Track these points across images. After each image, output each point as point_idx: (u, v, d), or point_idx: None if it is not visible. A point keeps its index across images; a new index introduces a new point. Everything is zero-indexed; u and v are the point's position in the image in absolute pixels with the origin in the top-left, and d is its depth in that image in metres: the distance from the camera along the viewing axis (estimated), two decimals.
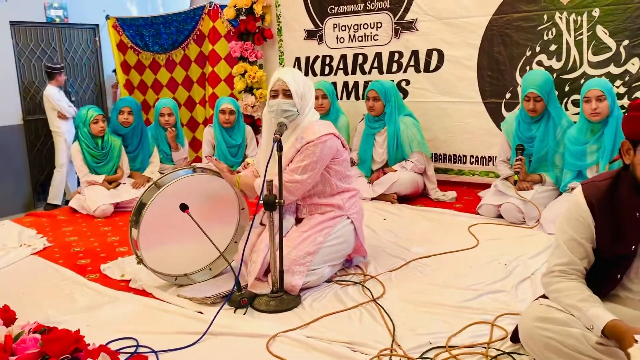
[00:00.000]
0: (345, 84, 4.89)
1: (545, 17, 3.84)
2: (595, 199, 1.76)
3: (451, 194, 4.06)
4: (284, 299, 2.39)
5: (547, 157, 3.55)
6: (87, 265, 3.04)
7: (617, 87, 3.65)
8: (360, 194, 4.01)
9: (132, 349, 2.04)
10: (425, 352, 1.95)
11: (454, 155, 4.40)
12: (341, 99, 4.91)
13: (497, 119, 4.10)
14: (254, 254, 2.57)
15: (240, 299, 2.39)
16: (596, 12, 3.65)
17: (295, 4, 5.05)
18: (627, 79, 3.61)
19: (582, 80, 3.75)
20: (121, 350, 2.01)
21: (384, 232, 3.35)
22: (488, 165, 4.23)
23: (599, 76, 3.69)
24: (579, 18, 3.71)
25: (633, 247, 1.71)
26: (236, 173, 2.74)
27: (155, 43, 6.47)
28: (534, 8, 3.87)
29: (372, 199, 4.04)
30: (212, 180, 2.70)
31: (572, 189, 3.38)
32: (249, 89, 5.34)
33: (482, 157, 4.26)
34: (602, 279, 1.79)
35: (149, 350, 2.04)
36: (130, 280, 2.74)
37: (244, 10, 5.16)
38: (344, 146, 2.73)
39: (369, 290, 2.50)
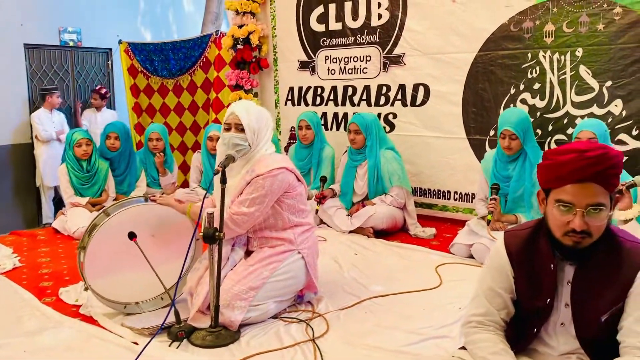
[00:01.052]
0: (335, 115, 4.90)
1: (529, 55, 3.79)
2: (515, 249, 1.70)
3: (430, 231, 3.99)
4: (221, 334, 2.36)
5: (523, 198, 3.46)
6: (48, 287, 3.06)
7: None
8: (338, 227, 4.04)
9: None
10: None
11: (439, 190, 4.34)
12: (331, 129, 4.92)
13: (481, 155, 4.03)
14: (199, 287, 2.55)
15: (177, 331, 2.37)
16: (579, 52, 3.59)
17: (291, 36, 5.11)
18: (609, 120, 3.52)
19: (565, 120, 3.69)
20: None
21: (350, 267, 3.30)
22: (471, 202, 4.14)
23: (582, 117, 3.62)
24: (563, 57, 3.66)
25: (548, 300, 1.64)
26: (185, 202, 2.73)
27: (164, 68, 6.63)
28: (518, 46, 3.83)
29: (350, 232, 3.99)
30: (166, 210, 2.70)
31: None
32: None
33: (465, 193, 4.19)
34: (521, 332, 1.72)
35: None
36: (80, 306, 2.74)
37: (241, 39, 5.26)
38: (299, 180, 2.71)
39: (312, 329, 2.45)
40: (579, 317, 1.62)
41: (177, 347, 2.29)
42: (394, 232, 4.04)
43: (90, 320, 2.61)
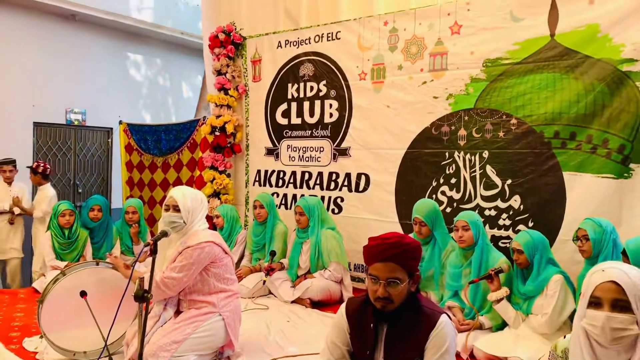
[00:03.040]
0: (294, 196, 5.53)
1: (447, 154, 4.45)
2: (352, 311, 2.26)
3: None
4: None
5: (433, 277, 3.99)
6: (15, 337, 3.59)
7: (504, 220, 4.15)
8: (282, 297, 4.55)
9: None
10: None
11: None
12: (290, 208, 5.53)
13: None
14: (134, 339, 3.07)
15: None
16: (486, 154, 4.24)
17: (260, 126, 5.86)
18: (511, 213, 4.11)
19: (477, 211, 4.26)
20: None
21: (277, 332, 3.79)
22: None
23: (489, 209, 4.21)
24: (473, 158, 4.30)
25: (368, 351, 2.16)
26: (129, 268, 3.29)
27: (156, 147, 7.39)
28: (438, 146, 4.50)
29: (292, 302, 4.50)
30: (113, 273, 3.28)
31: (449, 307, 3.79)
32: (216, 194, 6.05)
33: None
34: None
35: None
36: (36, 352, 3.26)
37: (217, 128, 6.01)
38: (226, 253, 3.29)
39: None
40: None
41: None
42: (331, 304, 4.53)
43: None
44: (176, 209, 3.16)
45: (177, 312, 3.23)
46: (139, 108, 9.17)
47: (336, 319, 2.30)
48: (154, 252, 2.92)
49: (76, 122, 8.20)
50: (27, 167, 5.94)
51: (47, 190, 5.90)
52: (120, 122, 7.65)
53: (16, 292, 4.82)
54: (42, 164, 5.95)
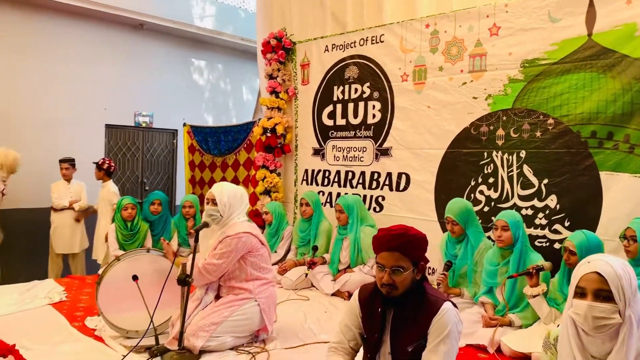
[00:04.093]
0: (338, 195, 5.72)
1: (485, 154, 4.51)
2: (363, 297, 2.45)
3: None
4: (185, 356, 3.17)
5: (467, 274, 4.07)
6: (80, 316, 4.02)
7: (540, 219, 4.17)
8: (322, 289, 4.77)
9: None
10: None
11: None
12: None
13: None
14: (178, 320, 3.39)
15: (154, 349, 3.20)
16: (523, 154, 4.27)
17: (308, 127, 6.11)
18: (547, 212, 4.12)
19: (514, 210, 4.29)
20: None
21: (313, 320, 4.01)
22: None
23: (526, 208, 4.24)
24: (511, 157, 4.34)
25: (376, 334, 2.34)
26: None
27: (215, 148, 7.83)
28: (477, 146, 4.56)
29: (332, 294, 4.71)
30: (164, 260, 3.62)
31: (482, 303, 3.87)
32: (267, 192, 6.36)
33: (434, 268, 4.81)
34: (365, 358, 2.41)
35: None
36: (95, 329, 3.66)
37: (269, 129, 6.32)
38: (262, 244, 3.55)
39: (255, 359, 3.20)
40: (394, 348, 2.31)
41: None
42: None
43: (99, 339, 3.51)
44: (214, 202, 3.45)
45: (217, 297, 3.53)
46: (201, 111, 9.68)
47: (350, 304, 2.49)
48: (195, 240, 3.23)
49: (144, 124, 8.79)
50: (93, 162, 6.44)
51: (110, 186, 6.36)
52: (184, 124, 8.16)
53: (84, 278, 5.32)
54: (107, 161, 6.42)
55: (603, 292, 1.79)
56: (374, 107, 5.39)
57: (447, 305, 2.27)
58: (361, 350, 2.48)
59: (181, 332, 3.17)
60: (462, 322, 2.38)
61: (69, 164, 6.59)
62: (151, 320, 3.26)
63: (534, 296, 3.48)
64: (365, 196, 5.39)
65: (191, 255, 3.41)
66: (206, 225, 3.38)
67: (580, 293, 1.84)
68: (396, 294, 2.27)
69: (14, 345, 2.65)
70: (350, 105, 5.61)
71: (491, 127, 4.47)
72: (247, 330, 3.44)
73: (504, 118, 4.39)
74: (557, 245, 4.01)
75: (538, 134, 4.18)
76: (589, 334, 1.83)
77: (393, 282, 2.25)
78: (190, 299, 3.48)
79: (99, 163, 6.37)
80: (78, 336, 3.56)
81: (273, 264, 5.32)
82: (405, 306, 2.30)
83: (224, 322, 3.32)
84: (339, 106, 5.74)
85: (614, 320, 1.77)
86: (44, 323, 3.81)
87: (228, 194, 3.49)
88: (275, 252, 5.57)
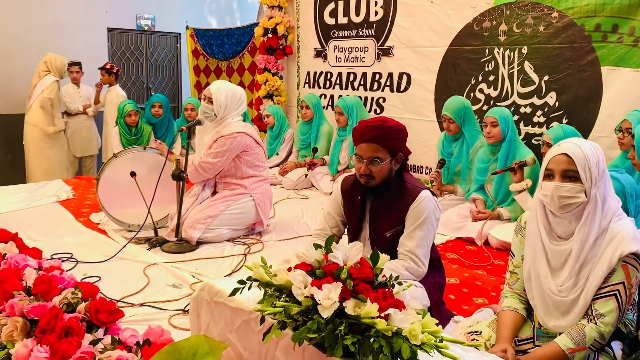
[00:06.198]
0: (340, 97, 5.68)
1: (487, 51, 4.38)
2: (344, 187, 2.51)
3: None
4: (182, 245, 3.33)
5: (461, 172, 4.11)
6: (85, 212, 4.19)
7: (538, 117, 4.12)
8: (322, 189, 4.87)
9: (68, 258, 3.09)
10: None
11: (414, 165, 5.02)
12: None
13: None
14: (176, 213, 3.52)
15: (153, 240, 3.36)
16: (525, 50, 4.15)
17: (309, 27, 5.95)
18: (546, 110, 4.07)
19: (512, 109, 4.24)
20: (59, 258, 3.05)
21: (310, 216, 4.14)
22: None
23: (524, 106, 4.18)
24: (512, 54, 4.22)
25: (356, 222, 2.42)
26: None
27: (219, 51, 7.70)
28: (478, 42, 4.43)
29: (330, 193, 4.80)
30: (160, 157, 3.69)
31: (474, 199, 3.95)
32: (269, 95, 6.32)
33: (431, 168, 4.85)
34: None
35: (74, 260, 3.07)
36: (99, 223, 3.83)
37: (270, 29, 6.16)
38: (258, 143, 3.59)
39: (249, 249, 3.35)
40: (373, 233, 2.39)
41: (147, 249, 3.28)
42: None
43: (102, 232, 3.68)
44: (210, 100, 3.46)
45: (214, 193, 3.63)
46: (204, 13, 9.41)
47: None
48: (188, 137, 3.28)
49: (146, 28, 8.61)
50: (99, 68, 6.43)
51: (118, 90, 6.36)
52: (187, 27, 7.97)
53: (91, 178, 5.48)
54: (115, 65, 6.38)
55: (570, 172, 1.80)
56: (376, 3, 5.19)
57: (424, 193, 2.32)
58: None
59: (178, 224, 3.30)
60: (440, 209, 2.44)
61: (78, 67, 6.56)
62: (148, 212, 3.39)
63: (520, 192, 3.53)
64: (366, 98, 5.34)
65: (185, 152, 3.48)
66: (199, 122, 3.41)
67: (548, 175, 1.86)
68: (374, 183, 2.32)
69: (17, 233, 2.78)
70: (353, 2, 5.40)
71: (494, 22, 4.31)
72: (243, 224, 3.57)
73: (508, 12, 4.22)
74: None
75: (541, 28, 4.03)
76: (556, 215, 1.87)
77: (370, 173, 2.28)
78: (188, 194, 3.59)
79: (109, 67, 6.34)
80: (82, 229, 3.74)
81: (275, 166, 5.43)
82: (383, 195, 2.36)
83: (219, 215, 3.44)
84: (340, 3, 5.54)
85: (579, 199, 1.79)
86: (50, 218, 3.99)
87: (226, 94, 3.46)
88: (277, 154, 5.64)
